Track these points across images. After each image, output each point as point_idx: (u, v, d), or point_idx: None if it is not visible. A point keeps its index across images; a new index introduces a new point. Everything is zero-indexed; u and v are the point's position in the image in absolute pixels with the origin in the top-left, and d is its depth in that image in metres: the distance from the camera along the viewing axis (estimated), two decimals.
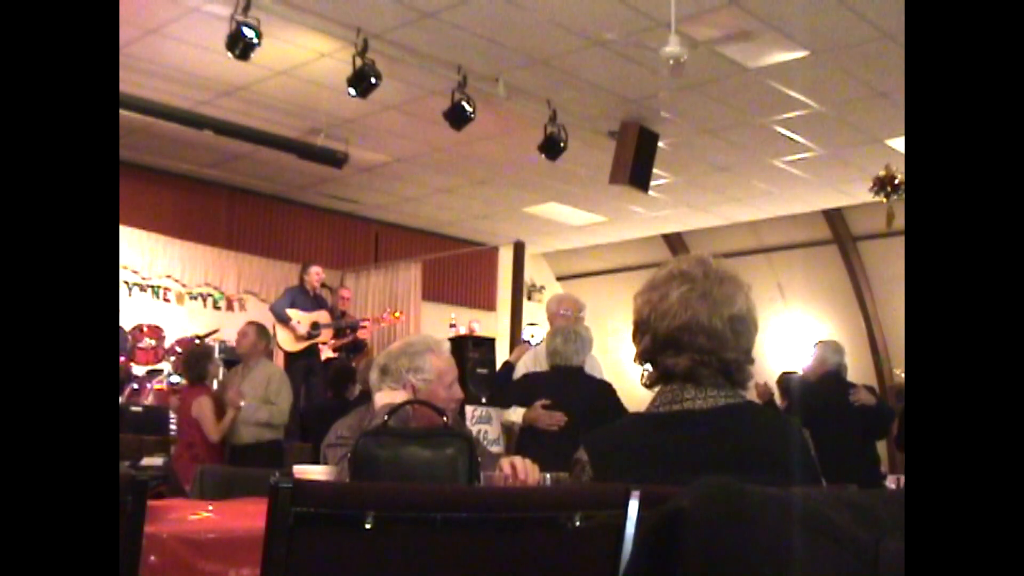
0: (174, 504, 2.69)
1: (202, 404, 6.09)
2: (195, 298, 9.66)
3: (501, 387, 5.68)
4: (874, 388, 6.60)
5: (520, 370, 5.45)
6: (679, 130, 7.76)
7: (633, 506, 1.44)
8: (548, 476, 2.52)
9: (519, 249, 7.84)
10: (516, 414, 4.86)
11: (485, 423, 9.21)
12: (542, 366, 5.08)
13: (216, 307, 9.76)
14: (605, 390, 4.69)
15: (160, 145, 8.54)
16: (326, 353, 8.89)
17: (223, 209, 10.03)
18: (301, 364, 8.46)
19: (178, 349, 8.46)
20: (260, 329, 6.58)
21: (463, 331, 10.58)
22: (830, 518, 1.03)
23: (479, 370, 9.64)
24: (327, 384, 7.48)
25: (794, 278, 11.48)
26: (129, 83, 6.76)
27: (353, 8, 5.86)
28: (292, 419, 6.75)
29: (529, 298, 11.63)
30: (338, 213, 10.78)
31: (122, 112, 6.59)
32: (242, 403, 6.15)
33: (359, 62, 6.11)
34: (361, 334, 9.26)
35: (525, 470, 2.46)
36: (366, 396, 5.15)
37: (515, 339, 7.96)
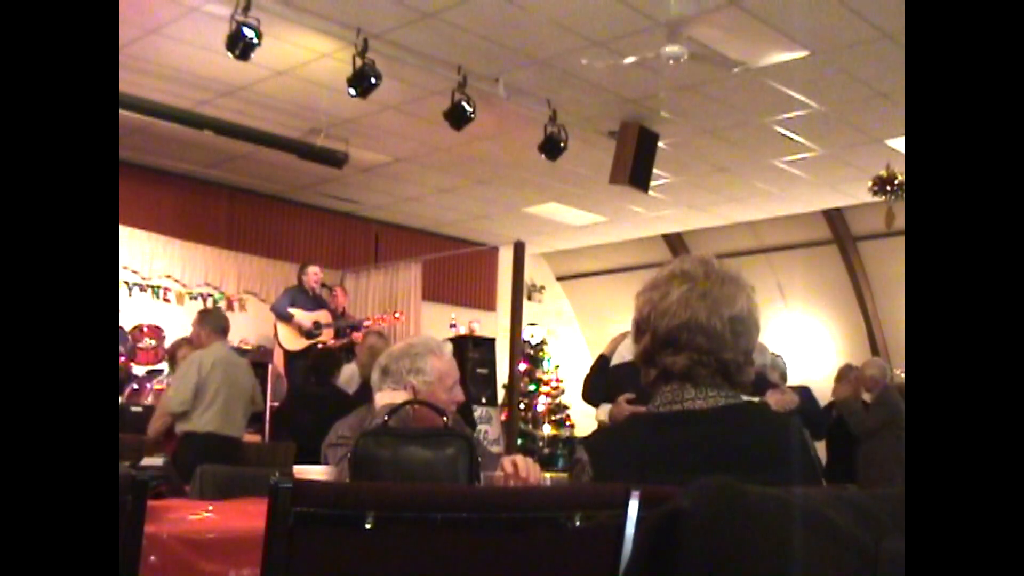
0: (174, 504, 2.70)
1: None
2: (195, 298, 9.65)
3: (592, 385, 4.99)
4: (809, 391, 6.08)
5: (617, 363, 4.71)
6: (679, 130, 7.76)
7: (633, 506, 1.43)
8: (548, 476, 2.53)
9: (519, 249, 7.83)
10: (604, 412, 4.37)
11: (485, 423, 9.23)
12: None
13: (216, 307, 9.75)
14: None
15: (160, 145, 8.54)
16: None
17: (223, 209, 10.02)
18: (302, 364, 8.45)
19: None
20: (202, 317, 6.14)
21: (463, 331, 10.59)
22: (830, 518, 1.03)
23: (479, 370, 9.67)
24: (308, 370, 6.94)
25: (794, 278, 11.48)
26: (129, 83, 6.75)
27: (353, 8, 5.86)
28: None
29: (529, 298, 11.62)
30: (338, 213, 10.78)
31: (122, 112, 6.58)
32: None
33: (359, 62, 6.11)
34: (357, 336, 9.25)
35: (526, 470, 2.46)
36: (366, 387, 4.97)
37: (515, 339, 7.93)
